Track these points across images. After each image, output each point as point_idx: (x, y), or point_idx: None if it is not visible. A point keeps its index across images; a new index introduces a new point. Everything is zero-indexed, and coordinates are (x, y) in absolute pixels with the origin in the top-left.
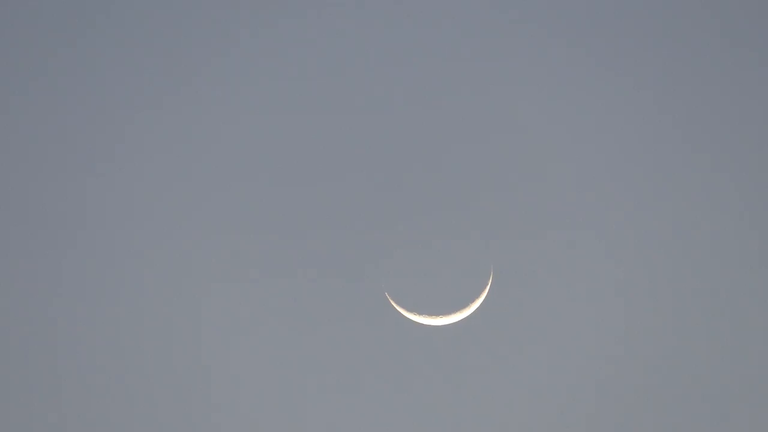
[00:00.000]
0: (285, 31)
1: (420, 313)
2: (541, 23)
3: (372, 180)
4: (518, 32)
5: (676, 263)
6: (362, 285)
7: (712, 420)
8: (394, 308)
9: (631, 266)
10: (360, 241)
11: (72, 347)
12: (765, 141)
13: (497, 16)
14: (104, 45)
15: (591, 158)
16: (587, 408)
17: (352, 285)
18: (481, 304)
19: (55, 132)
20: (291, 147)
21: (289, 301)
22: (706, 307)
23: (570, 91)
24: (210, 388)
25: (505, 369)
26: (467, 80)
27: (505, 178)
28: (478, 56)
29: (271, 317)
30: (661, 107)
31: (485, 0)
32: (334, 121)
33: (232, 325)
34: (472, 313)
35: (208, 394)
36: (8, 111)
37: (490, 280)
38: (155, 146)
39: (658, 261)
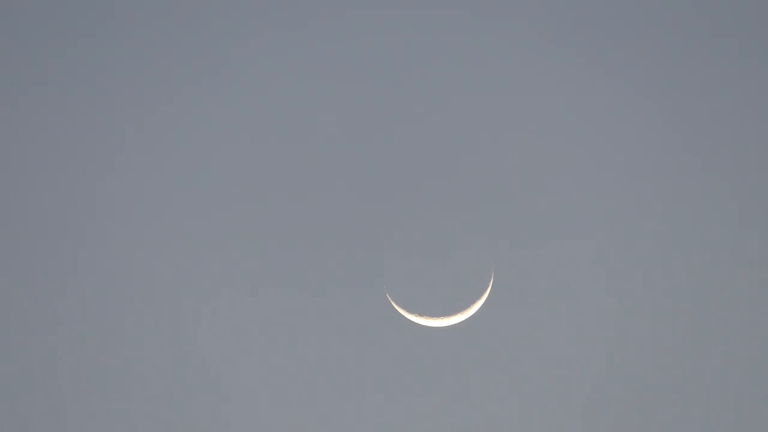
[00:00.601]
0: (287, 38)
1: (421, 314)
2: (553, 33)
3: (374, 184)
4: (525, 40)
5: (676, 271)
6: (364, 286)
7: (713, 424)
8: (396, 309)
9: (631, 270)
10: (362, 244)
11: (75, 353)
12: None
13: (505, 23)
14: (106, 49)
15: (594, 165)
16: (586, 409)
17: (353, 286)
18: (482, 305)
19: (60, 137)
20: (294, 152)
21: (292, 304)
22: (705, 314)
23: (575, 99)
24: (212, 395)
25: (506, 369)
26: (471, 86)
27: (507, 182)
28: (482, 62)
29: (274, 318)
30: (668, 118)
31: (494, 6)
32: (336, 126)
33: (233, 330)
34: (473, 314)
35: (211, 400)
36: (7, 116)
37: (491, 282)
38: (159, 153)
39: (658, 268)
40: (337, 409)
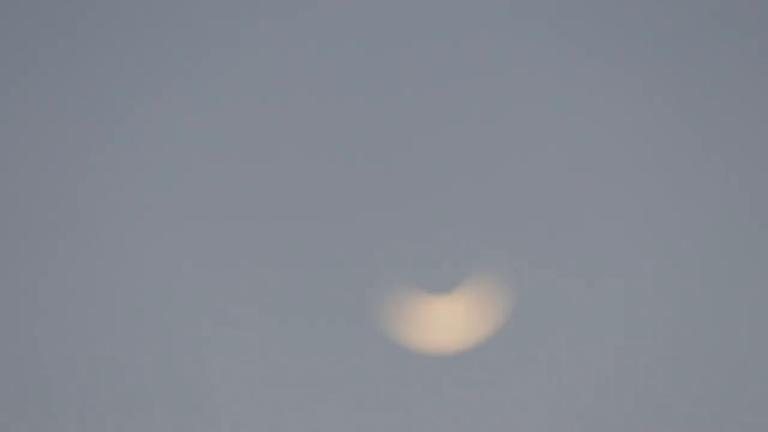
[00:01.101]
0: (286, 37)
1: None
2: (568, 33)
3: (375, 184)
4: (545, 45)
5: (693, 282)
6: (364, 288)
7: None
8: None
9: (647, 278)
10: (362, 244)
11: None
12: None
13: (511, 20)
14: (102, 48)
15: (600, 161)
16: (592, 412)
17: (353, 289)
18: (495, 332)
19: (50, 143)
20: (290, 152)
21: (288, 305)
22: (721, 324)
23: (591, 99)
24: (205, 403)
25: (511, 376)
26: (474, 85)
27: (513, 182)
28: (495, 68)
29: (271, 321)
30: (700, 133)
31: (508, 10)
32: (335, 126)
33: (228, 336)
34: (481, 337)
35: (203, 407)
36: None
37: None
38: (155, 156)
39: (672, 276)
40: (334, 422)
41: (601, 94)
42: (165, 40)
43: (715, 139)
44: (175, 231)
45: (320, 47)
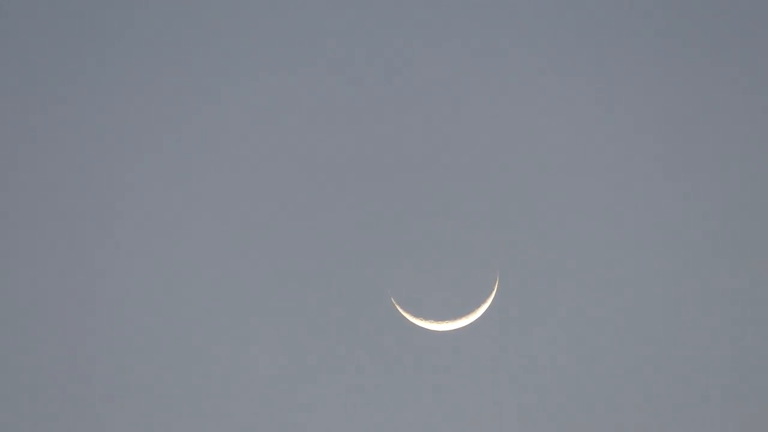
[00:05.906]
0: (282, 32)
1: (426, 318)
2: (558, 30)
3: (377, 184)
4: (533, 40)
5: (686, 274)
6: (368, 290)
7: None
8: (400, 313)
9: (640, 273)
10: (365, 246)
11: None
12: None
13: (507, 18)
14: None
15: (601, 165)
16: (591, 414)
17: (357, 289)
18: (488, 309)
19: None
20: (293, 150)
21: (292, 305)
22: (715, 319)
23: (581, 98)
24: (213, 400)
25: (511, 373)
26: (474, 86)
27: (513, 180)
28: (485, 62)
29: (276, 323)
30: (678, 118)
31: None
32: (336, 124)
33: (233, 335)
34: (478, 318)
35: (212, 406)
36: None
37: (497, 285)
38: (155, 152)
39: (668, 271)
40: (340, 415)
41: (600, 95)
42: (164, 44)
43: (709, 140)
44: (184, 237)
45: (326, 49)
